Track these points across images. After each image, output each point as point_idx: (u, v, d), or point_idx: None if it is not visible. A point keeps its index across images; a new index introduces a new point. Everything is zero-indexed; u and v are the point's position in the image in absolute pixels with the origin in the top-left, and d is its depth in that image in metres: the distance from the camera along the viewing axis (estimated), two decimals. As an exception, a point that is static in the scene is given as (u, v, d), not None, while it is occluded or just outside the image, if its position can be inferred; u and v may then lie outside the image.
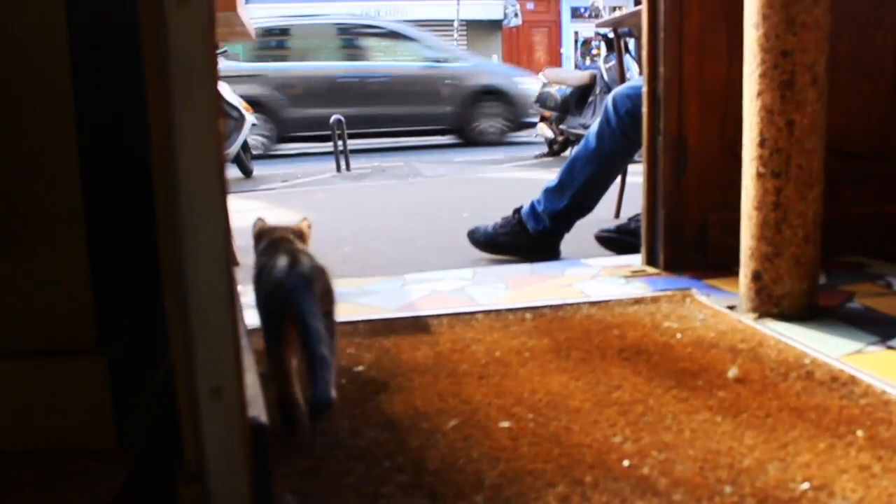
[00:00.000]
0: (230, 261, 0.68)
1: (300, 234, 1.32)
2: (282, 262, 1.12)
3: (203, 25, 0.74)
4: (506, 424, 1.12)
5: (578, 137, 6.98)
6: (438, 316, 1.72)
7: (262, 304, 1.16)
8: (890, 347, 1.40)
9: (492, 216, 2.86)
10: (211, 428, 0.70)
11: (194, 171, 0.66)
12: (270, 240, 1.25)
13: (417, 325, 1.66)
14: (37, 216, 0.98)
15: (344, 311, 1.78)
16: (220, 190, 0.67)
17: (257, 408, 0.79)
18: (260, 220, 1.36)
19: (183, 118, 0.68)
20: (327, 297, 1.15)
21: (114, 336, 1.03)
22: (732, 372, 1.29)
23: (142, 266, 1.23)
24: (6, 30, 0.94)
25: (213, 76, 0.74)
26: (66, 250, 0.98)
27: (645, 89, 2.07)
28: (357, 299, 1.91)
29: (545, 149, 8.24)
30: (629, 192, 3.36)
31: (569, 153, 7.56)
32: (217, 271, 0.65)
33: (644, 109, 2.09)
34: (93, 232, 0.99)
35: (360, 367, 1.40)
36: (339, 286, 2.04)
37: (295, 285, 1.09)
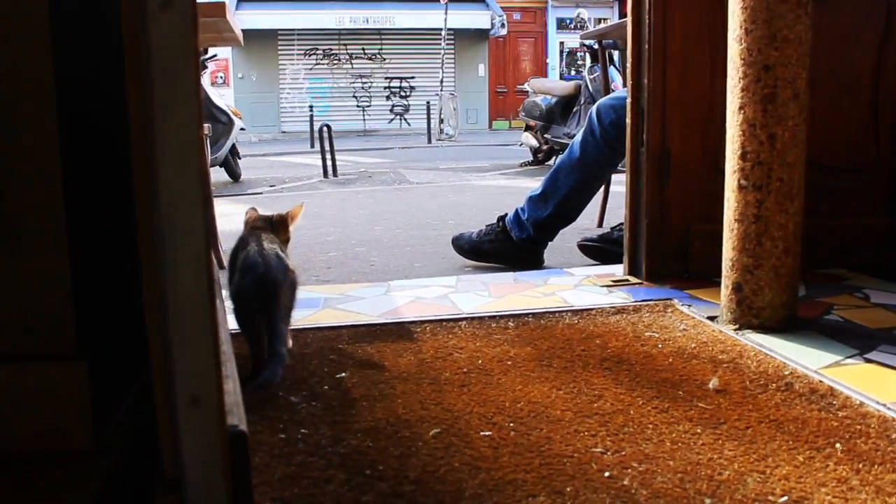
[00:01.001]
0: (211, 268, 0.67)
1: (283, 222, 1.54)
2: (255, 263, 1.35)
3: (185, 30, 0.73)
4: (487, 433, 1.12)
5: (563, 146, 7.02)
6: (422, 323, 1.72)
7: (235, 299, 1.37)
8: (868, 360, 1.41)
9: (476, 223, 2.86)
10: (189, 436, 0.70)
11: (175, 178, 0.66)
12: (247, 232, 1.48)
13: (401, 332, 1.66)
14: (18, 219, 0.97)
15: (328, 317, 1.78)
16: (202, 197, 0.67)
17: (237, 416, 0.78)
18: (252, 209, 1.58)
19: (163, 124, 0.68)
20: (291, 289, 1.40)
21: (95, 341, 1.02)
22: (713, 383, 1.30)
23: (124, 270, 1.22)
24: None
25: (196, 81, 0.74)
26: (48, 254, 0.97)
27: (629, 101, 2.09)
28: (341, 305, 1.91)
29: (530, 157, 8.28)
30: (612, 202, 3.38)
31: (553, 162, 7.60)
32: (197, 279, 0.65)
33: (628, 121, 2.10)
34: (75, 235, 0.98)
35: (343, 374, 1.40)
36: (324, 292, 2.04)
37: (267, 294, 1.33)
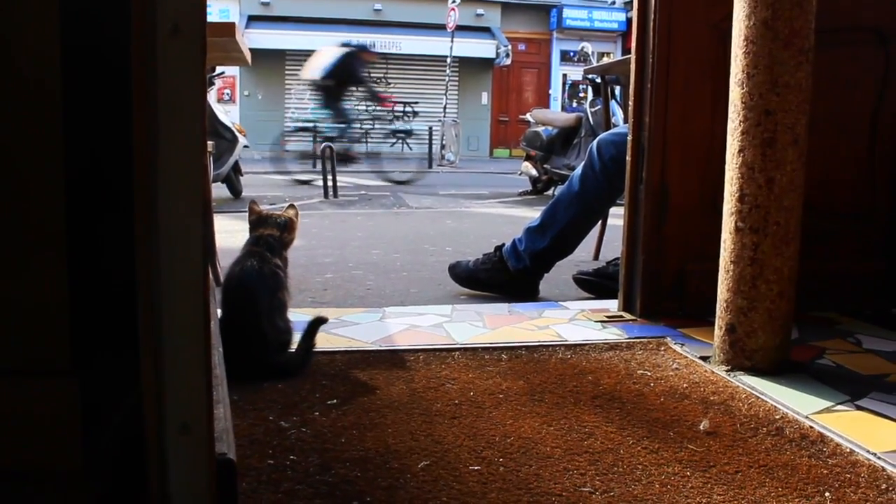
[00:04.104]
0: (208, 295, 0.67)
1: (285, 226, 1.71)
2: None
3: (194, 56, 0.74)
4: (476, 468, 1.12)
5: (562, 177, 7.05)
6: (415, 351, 1.71)
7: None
8: (859, 407, 1.41)
9: (474, 251, 2.87)
10: (177, 463, 0.70)
11: (175, 204, 0.66)
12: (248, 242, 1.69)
13: (394, 360, 1.65)
14: (18, 236, 0.97)
15: (322, 342, 1.77)
16: (201, 222, 0.68)
17: (226, 443, 0.78)
18: (253, 202, 1.76)
19: (167, 150, 0.68)
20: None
21: (88, 359, 1.01)
22: (704, 424, 1.30)
23: (119, 284, 1.22)
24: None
25: (202, 107, 0.75)
26: (44, 266, 0.97)
27: (630, 138, 2.10)
28: (336, 330, 1.90)
29: (529, 187, 8.31)
30: (609, 235, 3.39)
31: (552, 192, 7.62)
32: (193, 307, 0.65)
33: (628, 157, 2.11)
34: (72, 248, 0.98)
35: (335, 401, 1.39)
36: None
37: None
